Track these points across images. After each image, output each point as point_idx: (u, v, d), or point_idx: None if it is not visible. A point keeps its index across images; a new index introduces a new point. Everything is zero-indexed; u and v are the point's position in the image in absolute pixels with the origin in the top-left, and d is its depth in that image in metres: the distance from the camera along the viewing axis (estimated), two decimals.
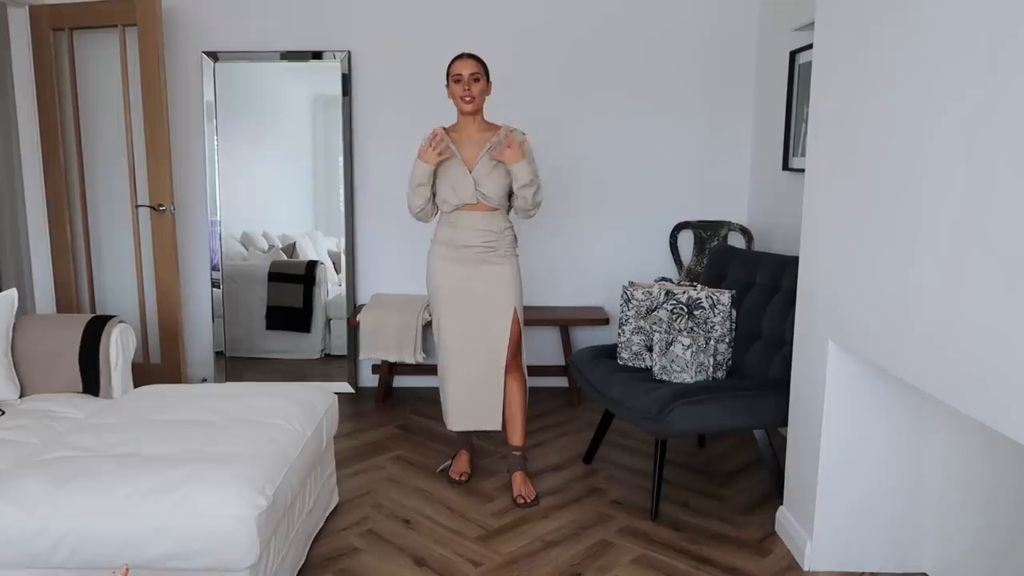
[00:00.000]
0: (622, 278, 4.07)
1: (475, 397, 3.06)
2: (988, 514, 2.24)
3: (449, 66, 2.95)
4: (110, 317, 3.06)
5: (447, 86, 2.97)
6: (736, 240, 4.20)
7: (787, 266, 3.08)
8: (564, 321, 4.18)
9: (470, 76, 2.90)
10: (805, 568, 2.54)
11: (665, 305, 3.10)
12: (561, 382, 4.38)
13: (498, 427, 3.09)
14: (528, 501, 2.99)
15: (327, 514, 2.83)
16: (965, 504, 2.35)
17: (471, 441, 3.30)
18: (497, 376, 3.03)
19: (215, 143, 4.26)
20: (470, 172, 2.93)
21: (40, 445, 2.37)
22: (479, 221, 2.97)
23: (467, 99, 2.91)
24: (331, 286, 4.54)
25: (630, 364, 3.18)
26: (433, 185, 3.01)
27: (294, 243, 4.58)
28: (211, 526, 1.94)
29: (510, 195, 3.02)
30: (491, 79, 2.99)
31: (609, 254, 4.37)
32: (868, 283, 2.16)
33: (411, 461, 3.43)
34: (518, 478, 3.06)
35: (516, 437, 3.09)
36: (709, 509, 2.98)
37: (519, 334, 3.05)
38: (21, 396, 2.87)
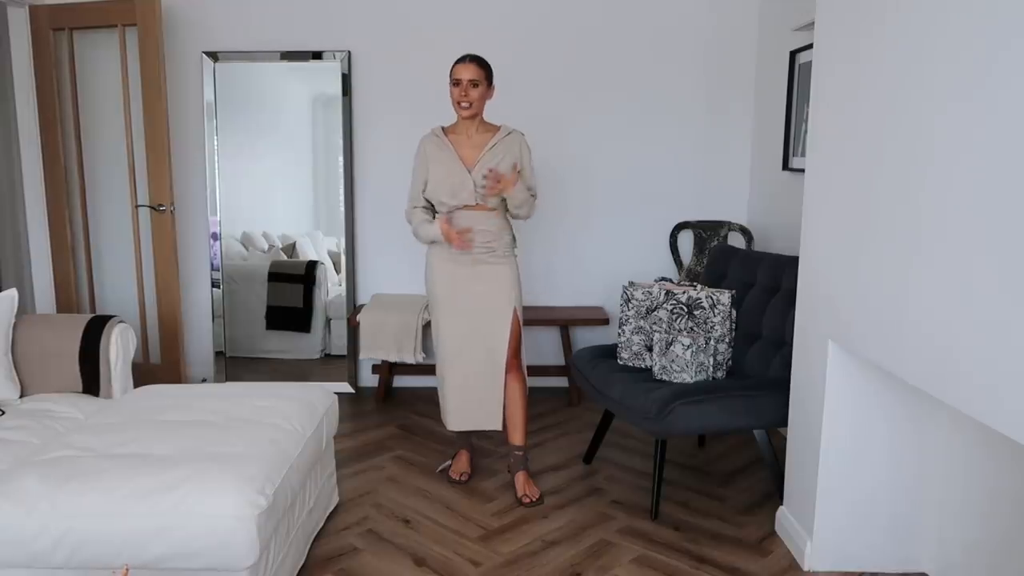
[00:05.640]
0: (622, 278, 4.07)
1: (474, 397, 3.05)
2: (988, 514, 2.24)
3: (452, 67, 2.93)
4: (110, 317, 3.06)
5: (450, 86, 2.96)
6: (736, 240, 4.20)
7: (787, 266, 3.08)
8: (564, 321, 4.18)
9: (468, 82, 2.87)
10: (805, 568, 2.54)
11: (665, 305, 3.10)
12: (561, 382, 4.38)
13: (498, 427, 3.08)
14: (533, 500, 2.99)
15: (327, 514, 2.83)
16: (965, 504, 2.35)
17: (471, 441, 3.30)
18: (497, 376, 3.02)
19: (215, 143, 4.26)
20: (469, 173, 2.93)
21: (40, 445, 2.37)
22: (477, 222, 2.95)
23: (464, 104, 2.90)
24: (331, 286, 4.54)
25: (630, 364, 3.18)
26: (426, 189, 3.01)
27: (294, 243, 4.58)
28: (211, 526, 1.94)
29: None
30: (493, 83, 2.97)
31: (609, 254, 4.37)
32: (868, 283, 2.16)
33: (411, 461, 3.43)
34: (521, 478, 3.06)
35: (517, 437, 3.09)
36: (709, 509, 2.98)
37: (519, 334, 3.05)
38: (21, 396, 2.87)
